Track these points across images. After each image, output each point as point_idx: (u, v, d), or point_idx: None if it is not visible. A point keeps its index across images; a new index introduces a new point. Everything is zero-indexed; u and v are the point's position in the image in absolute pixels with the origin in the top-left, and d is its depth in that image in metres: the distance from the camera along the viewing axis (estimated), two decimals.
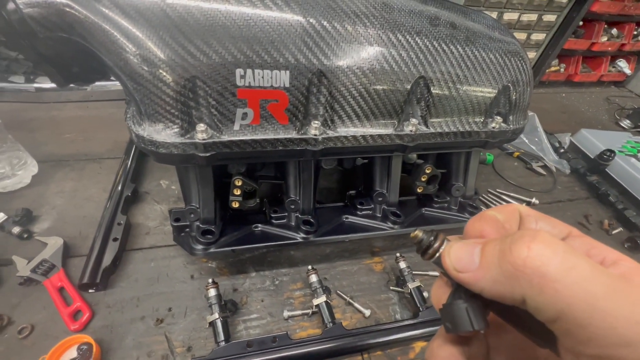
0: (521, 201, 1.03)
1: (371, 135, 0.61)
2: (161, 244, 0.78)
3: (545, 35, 1.57)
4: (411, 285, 0.70)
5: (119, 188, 0.83)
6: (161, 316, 0.66)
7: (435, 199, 0.81)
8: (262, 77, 0.52)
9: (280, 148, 0.58)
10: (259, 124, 0.56)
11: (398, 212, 0.75)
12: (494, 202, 1.01)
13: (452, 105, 0.64)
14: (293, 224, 0.71)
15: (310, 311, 0.67)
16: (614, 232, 0.99)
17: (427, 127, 0.64)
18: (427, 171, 0.72)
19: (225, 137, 0.55)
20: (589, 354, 0.17)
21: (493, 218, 0.23)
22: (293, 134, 0.57)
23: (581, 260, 0.17)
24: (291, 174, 0.69)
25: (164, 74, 0.48)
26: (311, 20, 0.53)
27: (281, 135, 0.57)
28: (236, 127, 0.55)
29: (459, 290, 0.21)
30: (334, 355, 0.61)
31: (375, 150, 0.65)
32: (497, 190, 1.05)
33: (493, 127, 0.67)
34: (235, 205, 0.65)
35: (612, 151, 1.12)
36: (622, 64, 1.80)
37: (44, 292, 0.66)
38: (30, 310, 0.64)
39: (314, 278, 0.68)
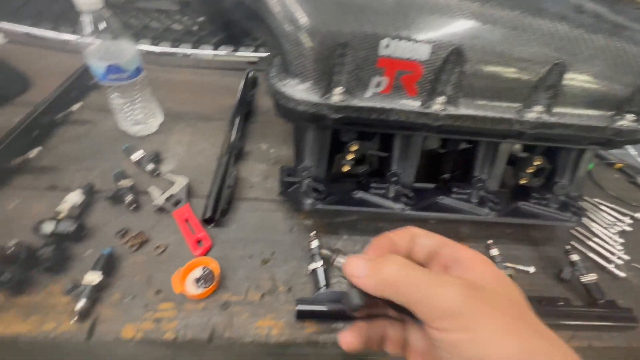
0: (623, 214, 0.96)
1: (492, 118, 0.62)
2: (264, 198, 0.87)
3: None
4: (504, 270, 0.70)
5: (231, 143, 0.93)
6: (266, 258, 0.74)
7: (534, 194, 0.80)
8: (405, 49, 0.56)
9: (403, 119, 0.61)
10: (389, 93, 0.60)
11: (496, 199, 0.75)
12: (590, 211, 0.96)
13: (582, 97, 0.62)
14: (391, 195, 0.75)
15: None
16: None
17: (550, 115, 0.63)
18: (536, 163, 0.71)
19: (357, 102, 0.60)
20: (430, 326, 0.27)
21: (389, 238, 0.36)
22: (417, 107, 0.61)
23: (413, 269, 0.29)
24: (397, 147, 0.73)
25: (320, 39, 0.54)
26: None
27: (407, 107, 0.60)
28: (368, 94, 0.60)
29: (353, 285, 0.33)
30: None
31: (492, 134, 0.66)
32: (595, 199, 0.99)
33: (621, 125, 0.64)
34: (346, 169, 0.70)
35: None
36: None
37: (172, 221, 0.77)
38: (163, 234, 0.76)
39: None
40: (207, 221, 0.76)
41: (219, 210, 0.76)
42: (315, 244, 0.70)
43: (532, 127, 0.63)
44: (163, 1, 1.29)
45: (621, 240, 0.88)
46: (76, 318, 0.59)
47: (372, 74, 0.58)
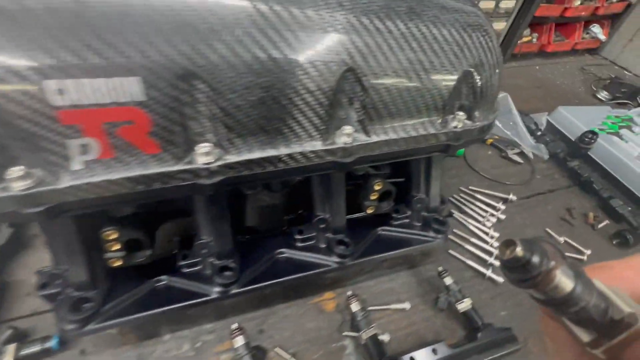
0: (498, 199, 0.90)
1: (289, 156, 0.44)
2: (45, 309, 0.60)
3: (515, 1, 1.41)
4: (365, 334, 0.55)
5: None
6: None
7: (395, 215, 0.66)
8: (96, 90, 0.34)
9: (156, 187, 0.40)
10: (114, 157, 0.38)
11: (346, 240, 0.59)
12: (468, 203, 0.87)
13: (398, 104, 0.47)
14: (208, 272, 0.55)
15: None
16: (600, 225, 0.87)
17: (367, 135, 0.48)
18: (377, 187, 0.57)
19: (63, 183, 0.37)
20: None
21: None
22: (171, 166, 0.40)
23: None
24: (199, 209, 0.52)
25: None
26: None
27: (152, 170, 0.39)
28: (76, 166, 0.37)
29: None
30: None
31: (301, 172, 0.49)
32: (471, 187, 0.91)
33: (455, 127, 0.52)
34: (117, 264, 0.47)
35: (594, 133, 1.00)
36: (596, 30, 1.68)
37: None
38: None
39: (239, 341, 0.52)
40: None
41: None
42: None
43: (349, 154, 0.47)
44: None
45: (496, 235, 0.80)
46: None
47: (62, 137, 0.35)
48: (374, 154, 0.49)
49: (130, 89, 0.35)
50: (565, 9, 1.48)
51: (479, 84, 0.51)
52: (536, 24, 1.56)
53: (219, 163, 0.41)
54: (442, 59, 0.47)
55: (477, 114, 0.53)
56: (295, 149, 0.44)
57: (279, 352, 0.57)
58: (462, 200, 0.88)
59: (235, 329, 0.53)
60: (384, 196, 0.59)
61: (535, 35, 1.59)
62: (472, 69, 0.49)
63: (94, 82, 0.33)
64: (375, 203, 0.58)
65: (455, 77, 0.49)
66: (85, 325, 0.47)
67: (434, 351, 0.56)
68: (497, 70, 0.52)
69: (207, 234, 0.53)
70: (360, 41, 0.42)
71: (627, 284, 0.19)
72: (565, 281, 0.17)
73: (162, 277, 0.54)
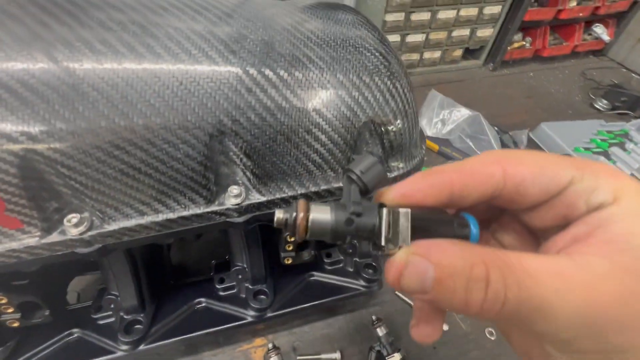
0: None
1: (168, 221, 0.42)
2: None
3: (501, 7, 1.33)
4: None
5: None
6: None
7: (326, 260, 0.63)
8: None
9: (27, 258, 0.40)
10: None
11: (265, 289, 0.57)
12: None
13: (293, 165, 0.44)
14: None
15: None
16: None
17: (260, 193, 0.45)
18: (289, 239, 0.54)
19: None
20: None
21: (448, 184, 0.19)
22: (35, 240, 0.39)
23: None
24: (105, 268, 0.51)
25: None
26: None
27: (14, 245, 0.39)
28: None
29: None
30: None
31: (189, 232, 0.46)
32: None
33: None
34: (15, 325, 0.47)
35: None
36: (599, 30, 1.55)
37: None
38: None
39: None
40: None
41: None
42: None
43: (242, 213, 0.45)
44: None
45: None
46: None
47: None
48: (272, 211, 0.46)
49: None
50: (559, 11, 1.38)
51: (384, 133, 0.47)
52: (529, 28, 1.46)
53: (90, 233, 0.40)
54: (334, 111, 0.44)
55: (390, 162, 0.49)
56: (178, 214, 0.42)
57: None
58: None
59: None
60: (301, 245, 0.56)
61: (529, 39, 1.49)
62: (370, 120, 0.45)
63: None
64: (292, 254, 0.55)
65: (348, 134, 0.45)
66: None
67: None
68: (407, 116, 0.48)
69: (116, 289, 0.53)
70: (235, 99, 0.40)
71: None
72: (320, 221, 0.19)
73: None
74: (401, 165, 0.49)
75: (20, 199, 0.37)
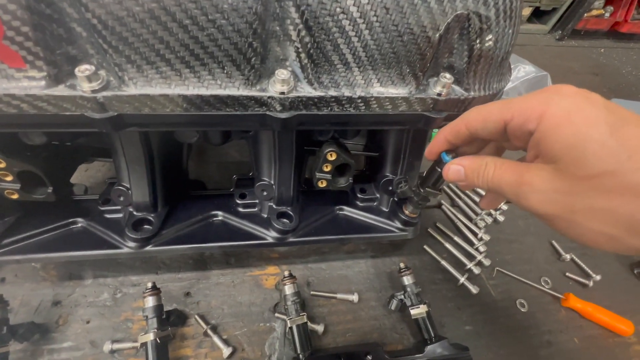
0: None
1: (199, 97, 0.35)
2: None
3: None
4: (292, 321, 0.48)
5: None
6: None
7: (360, 195, 0.56)
8: None
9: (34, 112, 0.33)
10: None
11: (290, 212, 0.51)
12: (463, 195, 0.75)
13: (356, 48, 0.35)
14: (125, 223, 0.49)
15: (139, 344, 0.48)
16: None
17: (312, 86, 0.37)
18: (330, 158, 0.46)
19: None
20: None
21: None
22: (39, 87, 0.32)
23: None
24: (118, 152, 0.45)
25: None
26: None
27: (14, 88, 0.32)
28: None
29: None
30: None
31: (219, 123, 0.39)
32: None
33: (437, 94, 0.39)
34: (14, 196, 0.42)
35: None
36: None
37: None
38: None
39: (149, 302, 0.47)
40: None
41: None
42: None
43: (287, 107, 0.37)
44: None
45: (487, 238, 0.68)
46: None
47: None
48: (320, 113, 0.38)
49: None
50: None
51: (476, 38, 0.37)
52: None
53: (104, 94, 0.33)
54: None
55: (472, 79, 0.40)
56: (211, 91, 0.35)
57: (198, 319, 0.52)
58: (456, 190, 0.75)
59: (149, 289, 0.48)
60: (341, 170, 0.49)
61: (610, 9, 1.30)
62: (467, 13, 0.35)
63: None
64: (328, 176, 0.48)
65: (442, 24, 0.36)
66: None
67: (367, 356, 0.48)
68: (507, 23, 0.38)
69: (127, 181, 0.47)
70: None
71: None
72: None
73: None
74: (495, 85, 0.40)
75: (25, 25, 0.29)
